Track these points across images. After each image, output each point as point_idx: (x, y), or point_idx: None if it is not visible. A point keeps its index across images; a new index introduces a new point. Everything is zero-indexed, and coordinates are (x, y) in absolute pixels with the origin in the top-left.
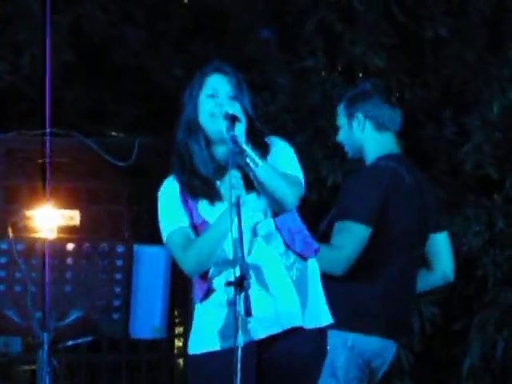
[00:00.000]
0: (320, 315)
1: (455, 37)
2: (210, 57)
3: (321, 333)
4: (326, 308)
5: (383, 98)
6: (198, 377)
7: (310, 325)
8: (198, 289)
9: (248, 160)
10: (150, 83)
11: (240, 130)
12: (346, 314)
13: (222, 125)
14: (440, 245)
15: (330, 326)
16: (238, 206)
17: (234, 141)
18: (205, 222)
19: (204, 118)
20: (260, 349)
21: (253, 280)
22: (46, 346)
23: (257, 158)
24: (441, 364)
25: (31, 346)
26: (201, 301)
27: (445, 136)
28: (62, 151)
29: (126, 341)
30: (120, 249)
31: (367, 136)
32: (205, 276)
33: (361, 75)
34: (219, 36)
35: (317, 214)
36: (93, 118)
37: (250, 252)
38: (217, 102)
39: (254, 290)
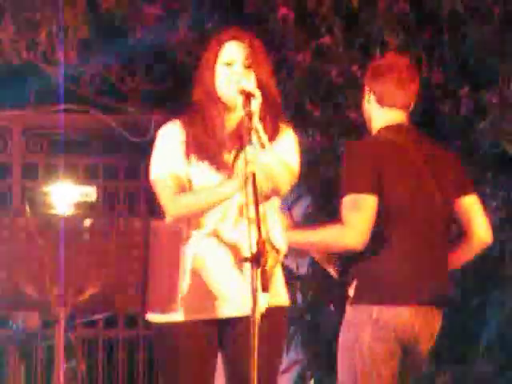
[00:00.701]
0: (281, 296)
1: (472, 14)
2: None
3: (281, 310)
4: (284, 290)
5: (391, 74)
6: (163, 351)
7: (273, 303)
8: None
9: (257, 139)
10: (167, 60)
11: (255, 105)
12: (368, 287)
13: (238, 97)
14: (467, 208)
15: (355, 302)
16: (254, 182)
17: (249, 117)
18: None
19: (221, 86)
20: (224, 326)
21: (228, 259)
22: (63, 322)
23: (266, 139)
24: (457, 341)
25: (49, 322)
26: None
27: (461, 113)
28: (78, 127)
29: (142, 316)
30: (137, 225)
31: (373, 109)
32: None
33: (378, 52)
34: (237, 14)
35: (335, 190)
36: (110, 94)
37: (234, 230)
38: (233, 70)
39: (227, 269)
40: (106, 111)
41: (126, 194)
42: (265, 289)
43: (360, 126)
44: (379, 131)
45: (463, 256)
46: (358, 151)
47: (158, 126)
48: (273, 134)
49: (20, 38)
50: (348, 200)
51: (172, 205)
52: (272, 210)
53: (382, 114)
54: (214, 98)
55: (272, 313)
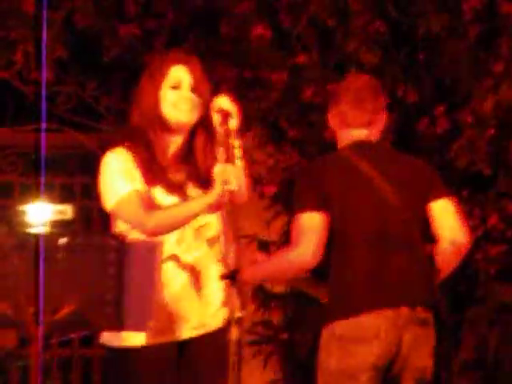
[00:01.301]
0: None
1: (448, 33)
2: (202, 53)
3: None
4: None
5: (346, 96)
6: (120, 375)
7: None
8: None
9: (235, 155)
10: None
11: (233, 124)
12: (330, 305)
13: (216, 115)
14: (437, 213)
15: (322, 323)
16: (231, 201)
17: (228, 135)
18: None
19: (168, 109)
20: (183, 346)
21: (187, 281)
22: (39, 341)
23: (240, 153)
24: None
25: (25, 341)
26: None
27: (437, 132)
28: (54, 146)
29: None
30: (113, 243)
31: (336, 129)
32: None
33: (354, 71)
34: (212, 33)
35: None
36: (86, 113)
37: (190, 252)
38: (180, 94)
39: (186, 291)
40: (81, 130)
41: (102, 213)
42: (244, 307)
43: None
44: (339, 150)
45: (441, 261)
46: (304, 172)
47: None
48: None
49: None
50: (295, 219)
51: (147, 219)
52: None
53: (342, 133)
54: (156, 121)
55: (216, 334)
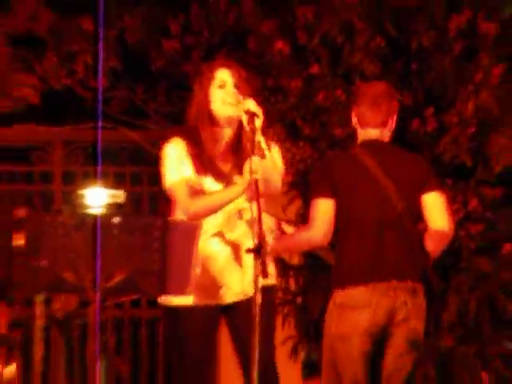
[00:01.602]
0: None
1: (436, 48)
2: None
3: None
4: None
5: (364, 99)
6: (173, 330)
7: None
8: None
9: (259, 150)
10: (182, 86)
11: (258, 123)
12: (334, 277)
13: (243, 115)
14: (428, 204)
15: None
16: (257, 188)
17: (254, 132)
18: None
19: (216, 105)
20: (226, 311)
21: (229, 254)
22: (96, 304)
23: (267, 150)
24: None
25: (84, 303)
26: None
27: (427, 130)
28: (109, 141)
29: None
30: (158, 222)
31: (357, 128)
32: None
33: (358, 79)
34: (241, 48)
35: None
36: (135, 114)
37: (234, 231)
38: (226, 91)
39: (229, 263)
40: (131, 128)
41: (149, 197)
42: (265, 275)
43: (343, 141)
44: (350, 148)
45: (430, 245)
46: (319, 166)
47: None
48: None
49: (61, 68)
50: (311, 204)
51: (190, 205)
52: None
53: (361, 132)
54: (207, 117)
55: (264, 290)
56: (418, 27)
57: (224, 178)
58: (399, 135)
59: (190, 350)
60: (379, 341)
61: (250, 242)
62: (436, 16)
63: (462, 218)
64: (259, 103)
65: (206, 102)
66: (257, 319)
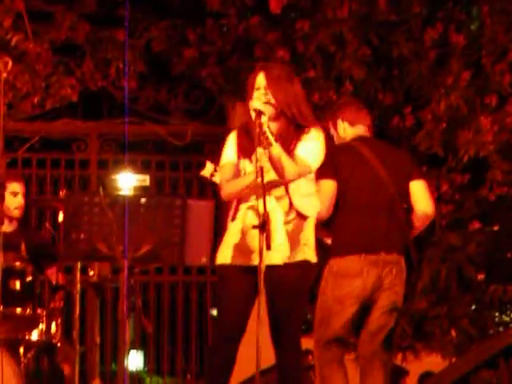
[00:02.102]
0: (306, 253)
1: (414, 56)
2: (242, 70)
3: (304, 263)
4: (310, 250)
5: (351, 106)
6: (221, 282)
7: (296, 259)
8: (231, 211)
9: (265, 141)
10: (199, 88)
11: (264, 119)
12: (333, 247)
13: (251, 113)
14: (413, 189)
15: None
16: (261, 173)
17: (260, 127)
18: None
19: (252, 104)
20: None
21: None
22: (126, 270)
23: (273, 139)
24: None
25: (116, 270)
26: (232, 219)
27: (406, 125)
28: (136, 134)
29: (182, 267)
30: (178, 202)
31: (346, 129)
32: (236, 206)
33: (348, 82)
34: (248, 54)
35: None
36: (159, 111)
37: (265, 206)
38: (260, 92)
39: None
40: (156, 123)
41: (170, 181)
42: (268, 247)
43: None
44: (349, 141)
45: (416, 224)
46: (325, 153)
47: (193, 133)
48: (293, 138)
49: (96, 71)
50: (317, 184)
51: (223, 188)
52: (298, 191)
53: (352, 130)
54: (251, 114)
55: (299, 264)
56: (398, 38)
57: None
58: (382, 129)
59: (228, 302)
60: (367, 302)
61: (278, 215)
62: (414, 29)
63: (435, 199)
64: (265, 102)
65: (249, 100)
66: (261, 285)
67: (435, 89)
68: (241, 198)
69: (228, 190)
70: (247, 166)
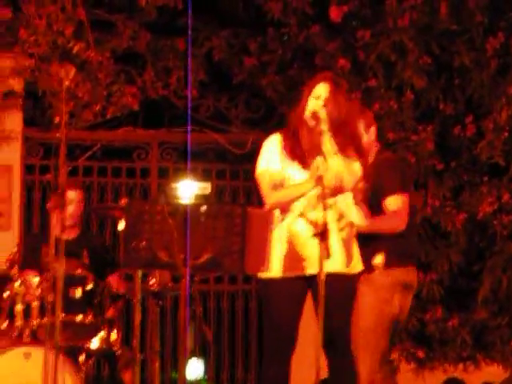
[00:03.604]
0: (356, 265)
1: (475, 65)
2: (303, 79)
3: (355, 276)
4: (359, 258)
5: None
6: (269, 295)
7: (356, 268)
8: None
9: (325, 150)
10: (260, 96)
11: (324, 127)
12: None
13: (310, 120)
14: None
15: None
16: (321, 181)
17: (320, 134)
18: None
19: (307, 112)
20: (311, 285)
21: (311, 232)
22: (187, 278)
23: (332, 151)
24: (463, 295)
25: (176, 278)
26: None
27: (467, 135)
28: (197, 142)
29: (241, 275)
30: (238, 211)
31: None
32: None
33: (408, 91)
34: (309, 63)
35: None
36: (219, 119)
37: (314, 212)
38: (317, 103)
39: (311, 239)
40: (216, 131)
41: (231, 189)
42: (328, 255)
43: (395, 143)
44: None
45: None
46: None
47: (254, 142)
48: (346, 142)
49: (157, 80)
50: (403, 200)
51: (269, 196)
52: (347, 199)
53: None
54: (303, 120)
55: (350, 278)
56: (459, 48)
57: (308, 168)
58: (443, 139)
59: (277, 315)
60: None
61: (330, 222)
62: (475, 38)
63: (495, 210)
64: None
65: (303, 108)
66: (321, 293)
67: (496, 98)
68: (284, 208)
69: (277, 198)
70: (296, 173)
